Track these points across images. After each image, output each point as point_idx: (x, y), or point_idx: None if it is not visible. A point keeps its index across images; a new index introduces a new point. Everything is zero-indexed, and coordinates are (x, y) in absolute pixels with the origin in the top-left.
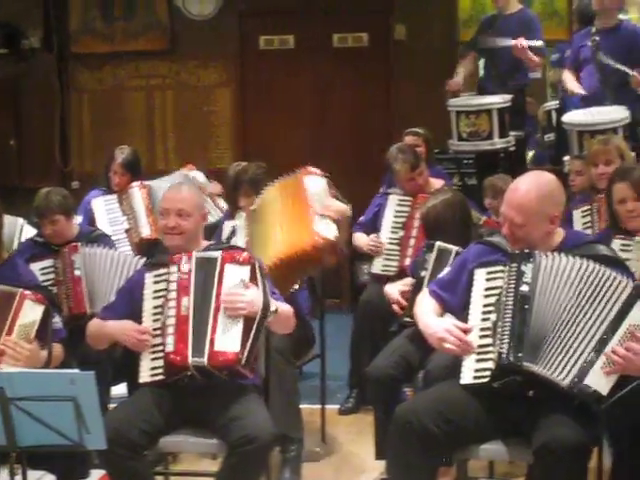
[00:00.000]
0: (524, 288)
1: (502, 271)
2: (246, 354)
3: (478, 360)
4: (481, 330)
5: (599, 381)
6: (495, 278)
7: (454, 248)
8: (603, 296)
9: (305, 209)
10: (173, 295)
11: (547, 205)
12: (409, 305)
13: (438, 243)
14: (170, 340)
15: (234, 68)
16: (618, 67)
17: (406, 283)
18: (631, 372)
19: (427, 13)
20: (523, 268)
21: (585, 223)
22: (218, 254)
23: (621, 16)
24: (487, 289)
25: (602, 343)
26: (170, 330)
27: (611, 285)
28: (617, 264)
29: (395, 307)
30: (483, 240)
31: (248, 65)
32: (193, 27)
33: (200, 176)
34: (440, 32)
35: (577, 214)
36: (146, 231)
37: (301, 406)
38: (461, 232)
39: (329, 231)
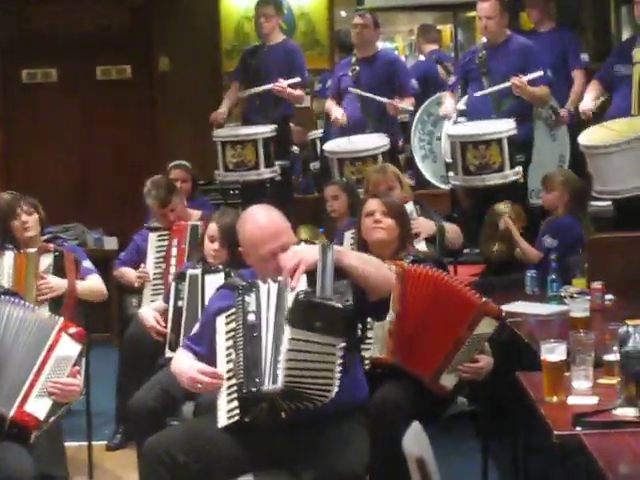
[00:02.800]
0: (251, 317)
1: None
2: (45, 424)
3: (228, 401)
4: (227, 372)
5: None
6: (232, 321)
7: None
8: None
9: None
10: None
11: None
12: (174, 338)
13: (189, 271)
14: None
15: None
16: (373, 98)
17: (158, 308)
18: None
19: (190, 44)
20: (247, 299)
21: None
22: (59, 319)
23: (387, 44)
24: (227, 332)
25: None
26: None
27: None
28: None
29: (153, 334)
30: (224, 283)
31: (11, 99)
32: None
33: None
34: (204, 63)
35: (347, 235)
36: None
37: (67, 443)
38: None
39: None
